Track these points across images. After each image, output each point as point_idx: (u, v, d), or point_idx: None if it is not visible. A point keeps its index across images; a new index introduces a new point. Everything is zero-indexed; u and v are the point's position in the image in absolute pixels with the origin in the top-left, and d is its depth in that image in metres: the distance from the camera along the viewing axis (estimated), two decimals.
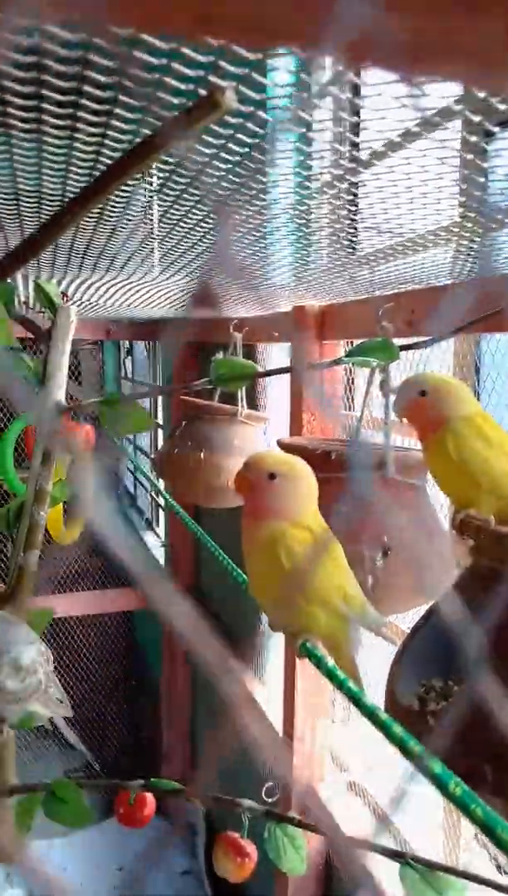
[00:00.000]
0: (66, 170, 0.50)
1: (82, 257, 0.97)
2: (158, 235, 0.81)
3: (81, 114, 0.39)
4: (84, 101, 0.37)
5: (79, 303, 1.60)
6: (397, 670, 0.55)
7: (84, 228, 0.78)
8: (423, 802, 1.13)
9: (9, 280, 1.23)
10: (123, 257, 0.95)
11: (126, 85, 0.34)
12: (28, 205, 0.65)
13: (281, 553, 0.60)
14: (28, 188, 0.56)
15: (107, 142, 0.43)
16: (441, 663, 0.58)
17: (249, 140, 0.44)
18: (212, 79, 0.32)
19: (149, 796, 0.81)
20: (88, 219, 0.71)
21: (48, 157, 0.47)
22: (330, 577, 0.61)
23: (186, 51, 0.28)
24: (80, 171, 0.50)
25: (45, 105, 0.34)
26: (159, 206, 0.66)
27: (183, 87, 0.32)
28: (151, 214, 0.71)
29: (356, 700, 0.49)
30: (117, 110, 0.37)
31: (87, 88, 0.34)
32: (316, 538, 0.63)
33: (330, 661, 0.56)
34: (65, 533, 1.25)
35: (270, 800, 1.37)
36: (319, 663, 0.55)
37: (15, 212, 0.69)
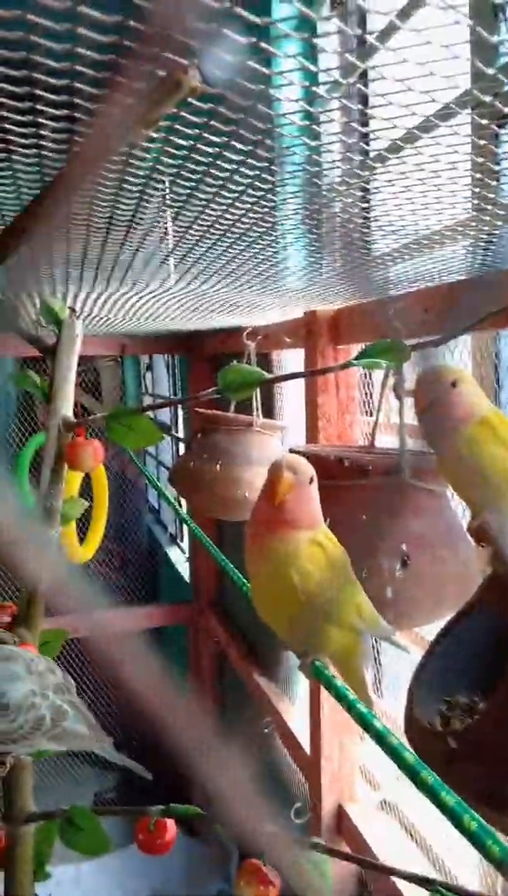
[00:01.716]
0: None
1: (96, 270, 0.96)
2: (171, 240, 0.80)
3: (77, 127, 0.38)
4: (78, 115, 0.35)
5: (95, 318, 1.60)
6: (417, 687, 0.52)
7: (95, 239, 0.77)
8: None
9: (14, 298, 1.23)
10: (138, 266, 0.94)
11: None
12: None
13: (294, 575, 0.57)
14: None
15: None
16: (466, 678, 0.55)
17: (253, 137, 0.42)
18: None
19: (170, 822, 0.78)
20: (97, 228, 0.70)
21: (49, 173, 0.46)
22: (345, 594, 0.58)
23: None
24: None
25: (41, 120, 0.33)
26: (170, 208, 0.64)
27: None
28: (164, 218, 0.69)
29: (366, 724, 0.46)
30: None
31: (78, 101, 0.33)
32: (329, 555, 0.60)
33: (339, 682, 0.53)
34: (80, 551, 1.25)
35: (299, 821, 1.33)
36: (328, 684, 0.52)
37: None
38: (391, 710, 1.31)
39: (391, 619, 0.70)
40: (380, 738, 0.44)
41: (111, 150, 0.25)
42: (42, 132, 0.32)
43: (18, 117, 0.31)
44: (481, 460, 0.53)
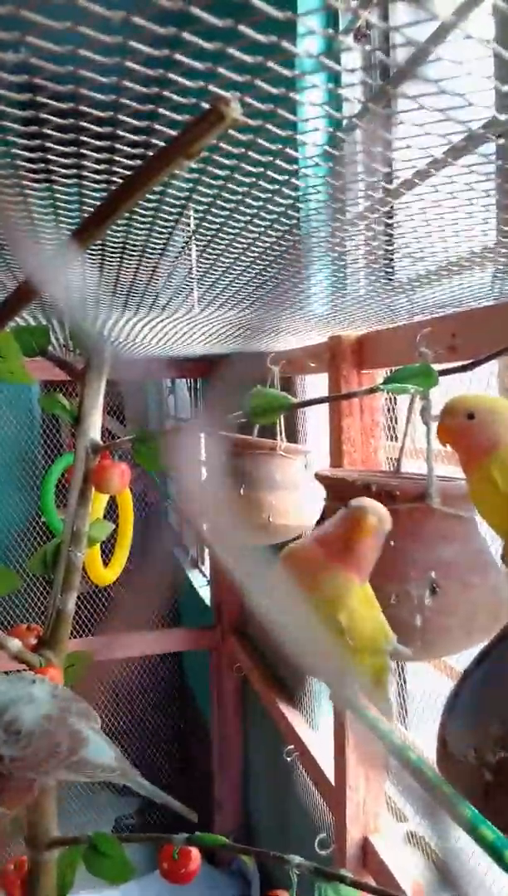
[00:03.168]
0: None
1: (127, 296, 0.98)
2: (196, 274, 0.81)
3: (117, 158, 0.39)
4: (119, 146, 0.36)
5: (121, 343, 1.62)
6: (450, 717, 0.51)
7: (127, 269, 0.78)
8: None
9: (44, 322, 1.25)
10: (167, 293, 0.95)
11: (157, 129, 0.34)
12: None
13: (343, 618, 0.55)
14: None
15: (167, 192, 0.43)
16: (500, 708, 0.54)
17: (279, 178, 0.43)
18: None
19: (194, 851, 0.77)
20: (130, 258, 0.72)
21: (88, 203, 0.47)
22: (376, 623, 0.57)
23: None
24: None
25: (84, 151, 0.34)
26: (197, 242, 0.65)
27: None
28: (190, 253, 0.70)
29: (401, 753, 0.45)
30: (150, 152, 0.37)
31: (120, 133, 0.34)
32: (366, 593, 0.59)
33: (371, 712, 0.52)
34: (104, 573, 1.25)
35: (323, 852, 1.30)
36: (361, 715, 0.52)
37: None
38: (418, 739, 1.29)
39: (421, 647, 0.69)
40: (416, 770, 0.43)
41: (154, 180, 0.26)
42: (84, 163, 0.33)
43: (61, 148, 0.31)
44: (498, 494, 0.53)
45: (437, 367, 0.67)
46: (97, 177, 0.36)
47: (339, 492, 0.80)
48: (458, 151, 0.45)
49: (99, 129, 0.29)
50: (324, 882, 0.67)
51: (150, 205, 0.46)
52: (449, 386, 1.01)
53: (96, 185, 0.37)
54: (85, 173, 0.35)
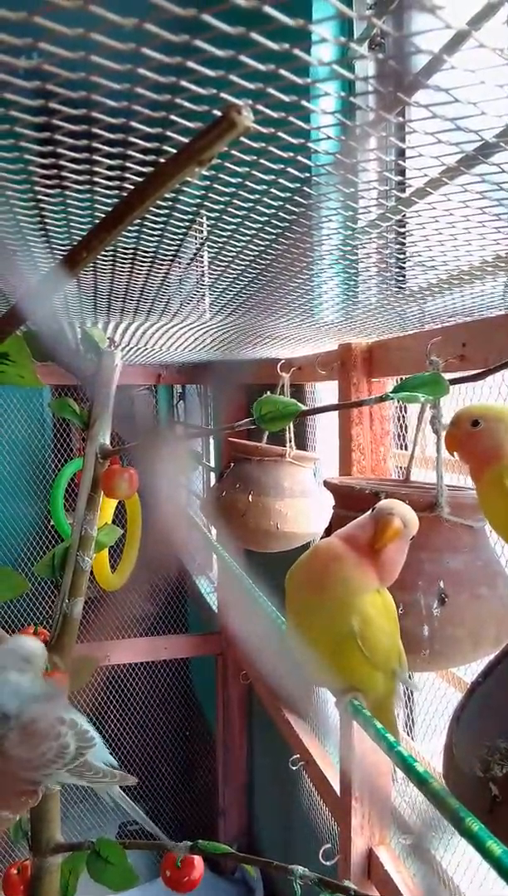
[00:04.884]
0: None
1: (137, 302, 0.98)
2: (208, 281, 0.81)
3: (129, 164, 0.39)
4: (131, 153, 0.36)
5: (131, 348, 1.62)
6: (456, 730, 0.51)
7: (139, 272, 0.78)
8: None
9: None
10: (178, 299, 0.95)
11: (169, 136, 0.34)
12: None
13: (358, 622, 0.55)
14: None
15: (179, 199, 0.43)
16: (507, 722, 0.53)
17: (291, 185, 0.43)
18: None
19: (197, 859, 0.77)
20: (141, 263, 0.72)
21: (99, 209, 0.47)
22: (393, 641, 0.57)
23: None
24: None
25: (96, 157, 0.34)
26: (209, 249, 0.66)
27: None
28: (202, 259, 0.71)
29: (408, 766, 0.45)
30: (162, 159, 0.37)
31: (133, 140, 0.34)
32: (389, 608, 0.59)
33: (378, 723, 0.52)
34: (112, 578, 1.24)
35: (328, 862, 1.29)
36: (366, 724, 0.51)
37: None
38: (424, 751, 1.28)
39: (429, 658, 0.69)
40: (421, 783, 0.43)
41: (166, 187, 0.26)
42: (96, 169, 0.33)
43: (74, 154, 0.32)
44: (507, 502, 0.53)
45: (447, 375, 0.66)
46: (109, 183, 0.36)
47: (348, 500, 0.79)
48: (471, 160, 0.45)
49: (111, 136, 0.29)
50: (328, 893, 0.67)
51: (162, 211, 0.46)
52: (462, 395, 1.01)
53: (108, 192, 0.38)
54: (97, 180, 0.35)
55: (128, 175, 0.34)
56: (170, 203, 0.44)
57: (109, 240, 0.28)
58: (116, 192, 0.37)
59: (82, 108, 0.26)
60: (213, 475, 3.28)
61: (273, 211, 0.48)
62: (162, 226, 0.49)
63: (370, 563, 0.57)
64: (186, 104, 0.26)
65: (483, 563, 0.72)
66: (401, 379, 0.66)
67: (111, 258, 0.68)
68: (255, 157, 0.36)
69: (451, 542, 0.71)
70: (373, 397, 0.67)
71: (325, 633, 0.56)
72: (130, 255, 0.59)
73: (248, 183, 0.41)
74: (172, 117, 0.27)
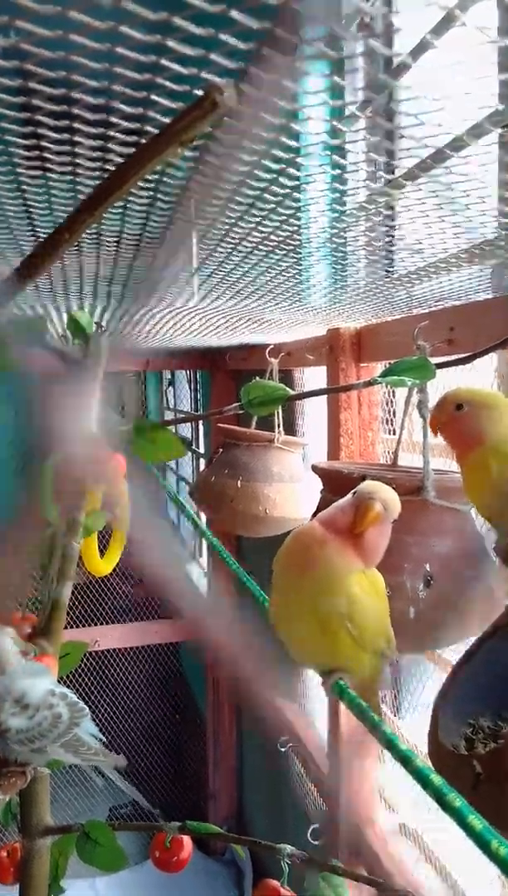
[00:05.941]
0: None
1: (124, 286, 0.97)
2: (197, 258, 0.80)
3: (111, 145, 0.39)
4: (113, 133, 0.36)
5: (118, 333, 1.61)
6: (441, 709, 0.52)
7: (124, 256, 0.78)
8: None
9: (42, 311, 1.24)
10: (165, 283, 0.95)
11: (151, 116, 0.34)
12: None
13: (345, 602, 0.55)
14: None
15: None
16: (491, 701, 0.54)
17: (275, 168, 0.43)
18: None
19: (186, 839, 0.78)
20: (127, 246, 0.71)
21: (82, 190, 0.47)
22: (381, 621, 0.57)
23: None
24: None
25: (77, 138, 0.34)
26: (199, 226, 0.65)
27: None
28: (190, 241, 0.70)
29: (391, 744, 0.45)
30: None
31: (114, 120, 0.34)
32: (377, 589, 0.59)
33: (363, 703, 0.53)
34: (100, 564, 1.23)
35: (316, 842, 1.31)
36: (351, 703, 0.52)
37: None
38: (411, 730, 1.29)
39: (415, 640, 0.70)
40: (405, 761, 0.43)
41: (148, 167, 0.26)
42: (78, 150, 0.33)
43: (55, 135, 0.31)
44: (505, 476, 0.53)
45: (435, 360, 0.67)
46: (91, 164, 0.36)
47: (335, 484, 0.80)
48: (458, 142, 0.45)
49: (92, 117, 0.29)
50: (315, 872, 0.68)
51: (145, 192, 0.46)
52: (452, 379, 1.01)
53: (91, 173, 0.37)
54: (79, 161, 0.35)
55: (110, 157, 0.34)
56: (154, 185, 0.43)
57: (91, 221, 0.28)
58: (99, 172, 0.37)
59: (62, 87, 0.26)
60: (203, 461, 3.28)
61: (260, 191, 0.48)
62: (147, 206, 0.49)
63: (352, 545, 0.57)
64: (168, 84, 0.25)
65: (469, 545, 0.73)
66: (389, 363, 0.66)
67: (95, 240, 0.68)
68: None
69: (437, 526, 0.72)
70: (361, 381, 0.68)
71: (311, 615, 0.57)
72: (116, 237, 0.59)
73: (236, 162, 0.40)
74: (154, 97, 0.26)
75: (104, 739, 0.63)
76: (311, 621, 0.57)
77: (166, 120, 0.28)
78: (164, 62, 0.24)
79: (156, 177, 0.47)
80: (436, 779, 0.41)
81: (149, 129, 0.30)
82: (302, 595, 0.58)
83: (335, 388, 1.12)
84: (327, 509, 0.61)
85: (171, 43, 0.22)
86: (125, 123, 0.29)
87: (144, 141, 0.30)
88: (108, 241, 0.67)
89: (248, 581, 0.86)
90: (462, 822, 0.35)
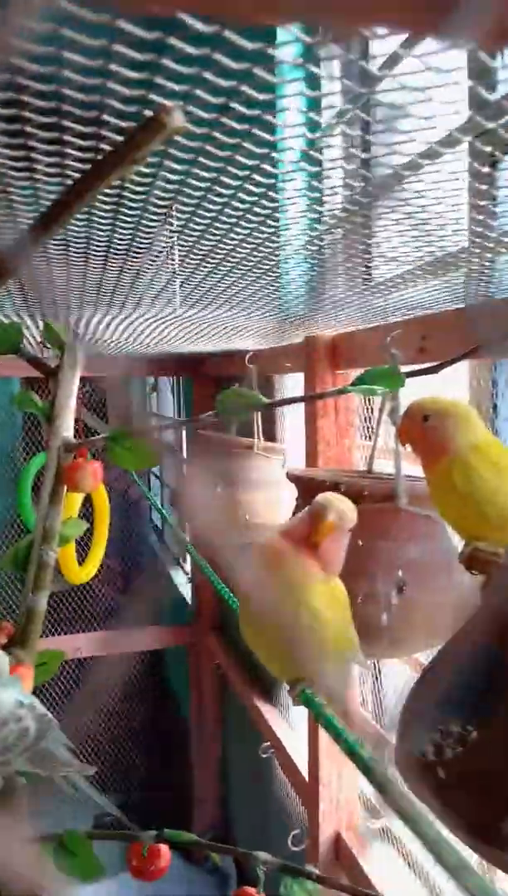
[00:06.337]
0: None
1: (98, 294, 0.98)
2: (179, 275, 0.81)
3: (68, 161, 0.40)
4: (68, 150, 0.37)
5: (100, 341, 1.62)
6: (408, 714, 0.52)
7: (95, 265, 0.78)
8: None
9: (17, 320, 1.24)
10: (140, 291, 0.95)
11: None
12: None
13: (308, 612, 0.56)
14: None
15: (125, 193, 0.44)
16: (460, 707, 0.54)
17: (257, 191, 0.43)
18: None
19: (163, 848, 0.78)
20: (95, 254, 0.72)
21: (43, 201, 0.47)
22: (345, 631, 0.58)
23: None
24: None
25: (34, 155, 0.34)
26: (180, 248, 0.66)
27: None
28: (173, 255, 0.71)
29: (353, 752, 0.46)
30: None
31: (68, 138, 0.35)
32: (339, 598, 0.60)
33: (329, 711, 0.53)
34: (79, 572, 1.24)
35: (296, 848, 1.31)
36: (318, 713, 0.52)
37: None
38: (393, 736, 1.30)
39: (387, 645, 0.70)
40: (366, 770, 0.44)
41: (101, 185, 0.26)
42: (35, 166, 0.33)
43: (9, 152, 0.32)
44: (470, 486, 0.54)
45: (405, 368, 0.68)
46: (49, 179, 0.36)
47: (309, 491, 0.80)
48: (431, 153, 0.45)
49: (46, 135, 0.29)
50: (291, 878, 0.68)
51: (109, 200, 0.46)
52: (429, 388, 1.02)
53: (50, 187, 0.38)
54: (38, 177, 0.35)
55: (69, 172, 0.34)
56: (144, 196, 0.44)
57: (47, 236, 0.28)
58: (58, 184, 0.37)
59: (14, 108, 0.26)
60: (186, 467, 3.27)
61: (233, 191, 0.48)
62: (112, 215, 0.49)
63: (312, 556, 0.58)
64: (117, 104, 0.26)
65: (441, 552, 0.74)
66: (363, 372, 0.67)
67: (84, 251, 0.68)
68: (208, 130, 0.35)
69: (409, 532, 0.73)
70: (332, 390, 0.68)
71: (275, 627, 0.57)
72: (83, 248, 0.59)
73: (201, 159, 0.40)
74: (105, 117, 0.27)
75: (73, 747, 0.62)
76: (275, 632, 0.57)
77: (120, 138, 0.29)
78: (110, 85, 0.24)
79: (145, 188, 0.47)
80: (394, 788, 0.41)
81: (104, 146, 0.30)
82: (265, 607, 0.58)
83: (307, 396, 1.13)
84: (287, 521, 0.62)
85: (113, 67, 0.23)
86: (79, 141, 0.30)
87: (98, 158, 0.30)
88: (76, 251, 0.68)
89: (222, 589, 0.87)
90: (417, 831, 0.36)
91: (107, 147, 0.30)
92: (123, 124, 0.27)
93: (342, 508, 0.59)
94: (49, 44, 0.21)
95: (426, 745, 0.51)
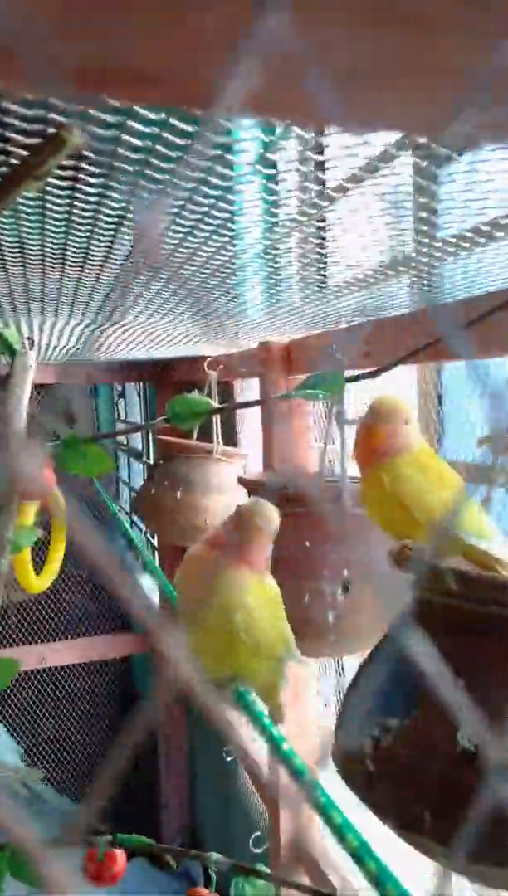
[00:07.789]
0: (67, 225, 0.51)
1: (57, 303, 0.98)
2: (140, 282, 0.82)
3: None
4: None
5: (57, 348, 1.61)
6: (346, 709, 0.53)
7: (50, 275, 0.78)
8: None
9: None
10: (97, 300, 0.95)
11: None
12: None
13: (238, 612, 0.57)
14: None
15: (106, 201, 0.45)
16: (398, 701, 0.56)
17: (213, 193, 0.44)
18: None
19: (119, 852, 0.78)
20: (72, 264, 0.72)
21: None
22: (277, 630, 0.59)
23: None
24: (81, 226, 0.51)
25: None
26: (123, 239, 0.66)
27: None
28: (118, 251, 0.71)
29: (277, 747, 0.47)
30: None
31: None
32: (269, 596, 0.61)
33: (259, 706, 0.54)
34: (35, 581, 1.22)
35: (258, 850, 1.32)
36: (246, 710, 0.53)
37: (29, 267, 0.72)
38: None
39: (334, 644, 0.72)
40: (285, 759, 0.45)
41: (7, 199, 0.27)
42: None
43: None
44: (397, 489, 0.55)
45: (348, 373, 0.69)
46: None
47: (260, 495, 0.81)
48: (373, 166, 0.47)
49: None
50: (241, 878, 0.69)
51: (87, 214, 0.47)
52: (382, 391, 1.04)
53: None
54: None
55: None
56: (95, 206, 0.44)
57: None
58: None
59: None
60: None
61: (188, 193, 0.49)
62: (64, 224, 0.50)
63: (240, 559, 0.60)
64: (18, 123, 0.27)
65: (385, 552, 0.75)
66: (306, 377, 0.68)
67: (40, 260, 0.69)
68: (156, 129, 0.36)
69: (355, 534, 0.74)
70: (278, 395, 0.70)
71: (207, 629, 0.59)
72: (38, 258, 0.60)
73: (152, 160, 0.41)
74: (9, 134, 0.28)
75: (21, 751, 0.63)
76: (208, 635, 0.59)
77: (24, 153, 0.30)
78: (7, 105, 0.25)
79: (67, 200, 0.48)
80: (307, 779, 0.42)
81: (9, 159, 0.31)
82: (198, 611, 0.60)
83: (254, 401, 1.15)
84: (213, 529, 0.64)
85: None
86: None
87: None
88: (32, 261, 0.68)
89: (171, 594, 0.87)
90: (327, 819, 0.37)
91: (14, 161, 0.31)
92: (27, 141, 0.28)
93: (264, 513, 0.61)
94: None
95: (366, 739, 0.53)
